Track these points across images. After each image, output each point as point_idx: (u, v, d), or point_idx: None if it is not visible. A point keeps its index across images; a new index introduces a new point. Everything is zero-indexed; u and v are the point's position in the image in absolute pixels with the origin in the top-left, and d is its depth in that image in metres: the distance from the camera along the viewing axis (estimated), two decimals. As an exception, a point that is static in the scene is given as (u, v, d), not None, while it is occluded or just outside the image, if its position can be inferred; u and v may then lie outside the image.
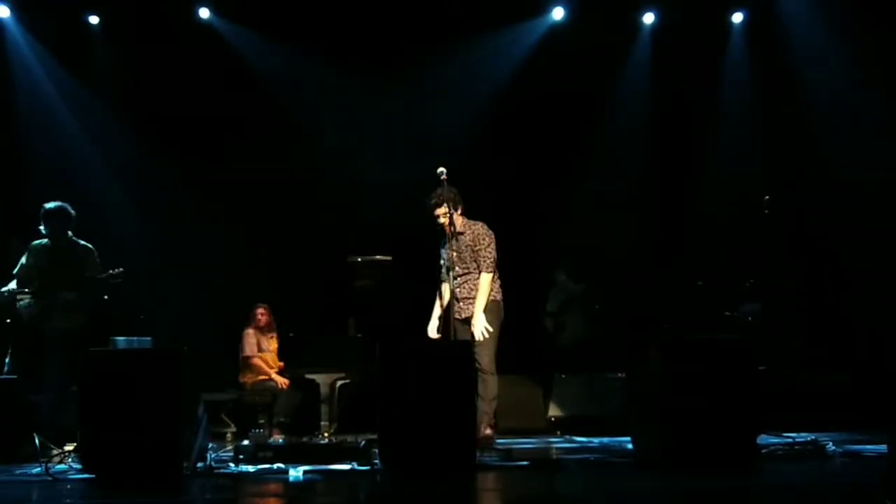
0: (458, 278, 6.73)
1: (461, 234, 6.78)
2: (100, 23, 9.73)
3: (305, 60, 9.82)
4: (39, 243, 7.22)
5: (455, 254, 6.66)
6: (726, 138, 10.21)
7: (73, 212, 7.20)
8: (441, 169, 6.49)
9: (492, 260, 6.75)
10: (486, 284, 6.71)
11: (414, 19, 9.65)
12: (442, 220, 6.68)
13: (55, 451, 6.12)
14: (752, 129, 10.23)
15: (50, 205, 7.13)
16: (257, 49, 9.86)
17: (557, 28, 10.17)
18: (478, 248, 6.78)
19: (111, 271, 7.14)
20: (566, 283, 9.55)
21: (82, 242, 7.26)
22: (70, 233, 7.21)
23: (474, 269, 6.79)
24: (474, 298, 6.72)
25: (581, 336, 9.38)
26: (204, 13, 9.81)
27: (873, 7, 9.22)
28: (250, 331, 8.63)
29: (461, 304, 6.77)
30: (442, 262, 6.67)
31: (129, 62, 9.69)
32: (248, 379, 8.49)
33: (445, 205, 6.63)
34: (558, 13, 10.12)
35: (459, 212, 6.74)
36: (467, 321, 6.72)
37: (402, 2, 9.62)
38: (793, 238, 8.73)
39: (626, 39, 10.34)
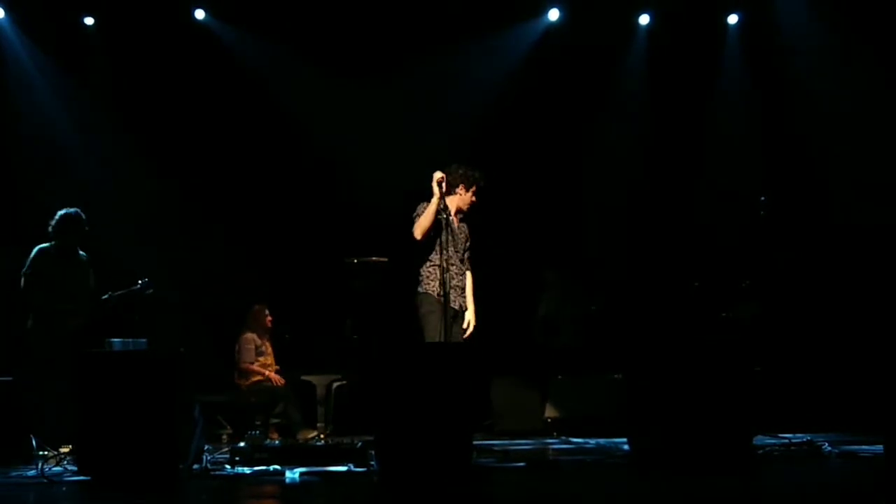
0: (453, 267, 6.49)
1: (463, 223, 6.73)
2: (95, 24, 9.72)
3: (302, 61, 9.83)
4: (48, 247, 7.14)
5: (452, 239, 6.51)
6: (722, 139, 10.22)
7: None
8: (437, 172, 6.48)
9: None
10: (472, 281, 6.68)
11: (410, 21, 9.65)
12: (474, 202, 6.66)
13: (51, 453, 6.11)
14: (748, 130, 10.24)
15: (70, 210, 7.14)
16: (254, 50, 9.85)
17: (553, 29, 10.18)
18: (469, 245, 6.69)
19: (140, 282, 7.29)
20: (559, 284, 9.52)
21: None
22: None
23: (460, 262, 6.62)
24: (462, 290, 6.57)
25: (576, 337, 9.36)
26: (200, 14, 9.80)
27: (867, 8, 9.24)
28: (249, 335, 8.57)
29: (458, 293, 6.52)
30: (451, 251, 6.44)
31: (125, 63, 9.67)
32: (243, 381, 8.45)
33: None
34: (554, 14, 10.13)
35: None
36: (456, 315, 6.51)
37: (399, 3, 9.63)
38: (789, 238, 8.74)
39: (621, 40, 10.34)
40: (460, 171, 6.61)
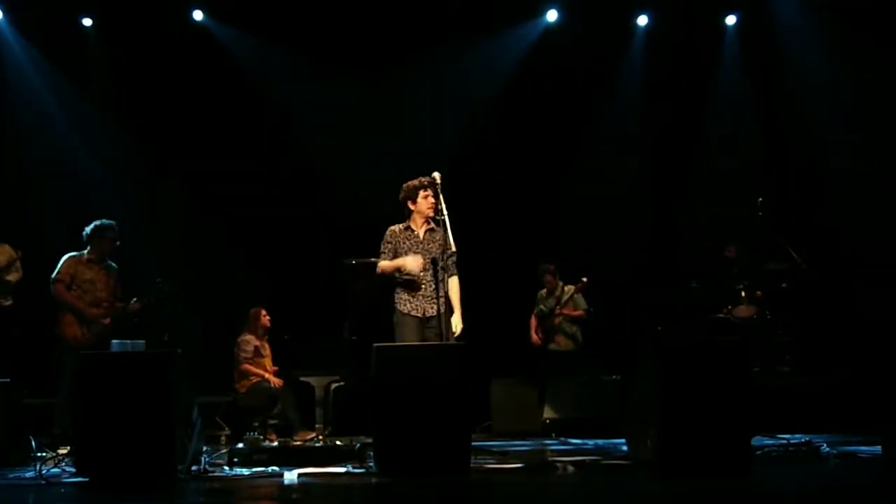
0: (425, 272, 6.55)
1: (433, 230, 6.65)
2: (93, 25, 9.73)
3: (301, 62, 9.84)
4: (78, 254, 7.32)
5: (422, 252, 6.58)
6: (720, 139, 10.23)
7: None
8: (435, 174, 6.49)
9: None
10: (458, 287, 6.67)
11: (410, 22, 9.67)
12: (433, 202, 6.58)
13: (49, 454, 6.11)
14: (745, 130, 10.26)
15: (108, 222, 7.34)
16: (253, 51, 9.87)
17: (552, 30, 10.19)
18: (450, 252, 6.55)
19: (158, 282, 7.45)
20: (557, 285, 9.48)
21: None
22: None
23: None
24: (433, 299, 6.53)
25: (573, 339, 9.33)
26: (198, 15, 9.81)
27: (864, 8, 9.25)
28: (248, 337, 8.53)
29: (429, 301, 6.56)
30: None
31: (124, 64, 9.69)
32: (243, 383, 8.42)
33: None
34: (552, 15, 10.14)
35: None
36: (429, 320, 6.55)
37: (398, 5, 9.64)
38: (787, 239, 8.73)
39: (620, 41, 10.35)
40: (401, 195, 6.61)
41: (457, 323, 6.53)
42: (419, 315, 6.48)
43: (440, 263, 6.48)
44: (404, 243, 6.54)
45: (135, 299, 7.45)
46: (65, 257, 7.32)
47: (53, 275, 7.25)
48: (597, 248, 9.79)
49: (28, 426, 6.53)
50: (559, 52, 10.02)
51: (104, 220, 7.37)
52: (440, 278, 6.43)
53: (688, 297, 8.97)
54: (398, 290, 6.56)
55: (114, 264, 7.48)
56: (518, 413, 8.63)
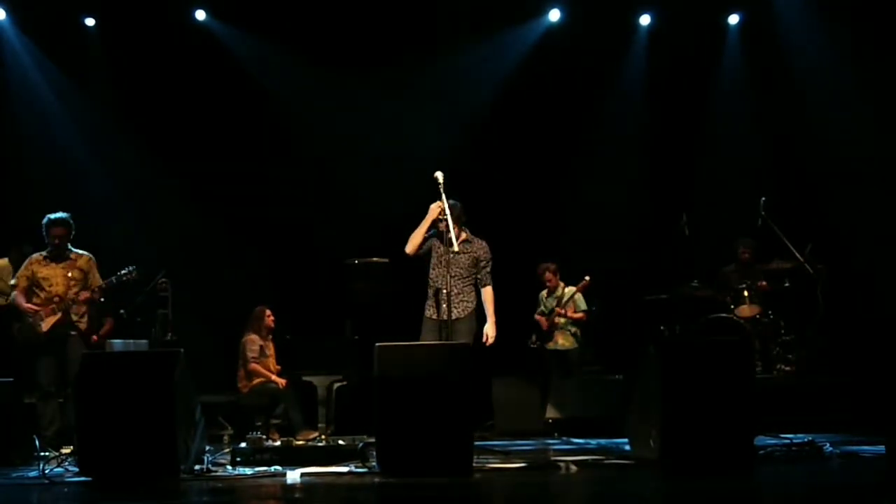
0: (449, 279, 6.69)
1: (468, 241, 6.89)
2: (96, 25, 9.73)
3: (303, 64, 9.84)
4: (39, 253, 7.20)
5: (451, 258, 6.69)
6: (722, 139, 10.23)
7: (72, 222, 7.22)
8: (438, 173, 6.49)
9: None
10: (493, 296, 6.91)
11: (410, 23, 9.68)
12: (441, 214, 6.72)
13: (52, 454, 6.12)
14: (748, 130, 10.26)
15: (54, 215, 7.12)
16: (254, 52, 9.87)
17: (554, 30, 10.20)
18: (484, 264, 6.90)
19: (121, 272, 7.19)
20: (559, 284, 9.47)
21: (81, 251, 7.27)
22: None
23: (467, 277, 6.85)
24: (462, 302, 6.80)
25: (574, 339, 9.33)
26: (200, 15, 9.81)
27: (865, 8, 9.26)
28: (253, 336, 8.51)
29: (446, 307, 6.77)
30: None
31: (126, 64, 9.69)
32: (247, 383, 8.40)
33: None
34: (555, 15, 10.15)
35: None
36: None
37: (398, 6, 9.64)
38: (790, 239, 8.74)
39: (622, 41, 10.35)
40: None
41: (489, 332, 6.82)
42: (437, 319, 6.73)
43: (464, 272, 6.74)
44: (438, 248, 6.80)
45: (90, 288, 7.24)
46: (27, 259, 7.25)
47: None
48: (597, 249, 9.79)
49: (31, 426, 6.53)
50: (560, 51, 10.03)
51: (50, 215, 7.14)
52: (445, 284, 6.57)
53: (690, 296, 8.97)
54: (426, 302, 6.86)
55: (84, 254, 7.23)
56: (520, 412, 8.62)
